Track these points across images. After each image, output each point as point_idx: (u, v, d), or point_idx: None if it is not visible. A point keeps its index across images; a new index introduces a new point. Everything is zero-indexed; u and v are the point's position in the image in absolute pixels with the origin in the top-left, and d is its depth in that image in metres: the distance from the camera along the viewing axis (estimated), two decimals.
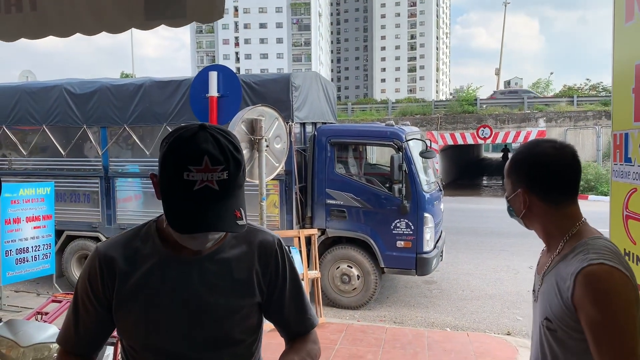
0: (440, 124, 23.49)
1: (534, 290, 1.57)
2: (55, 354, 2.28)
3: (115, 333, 1.42)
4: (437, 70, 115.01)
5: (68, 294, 3.77)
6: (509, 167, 1.55)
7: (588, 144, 21.60)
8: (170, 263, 1.32)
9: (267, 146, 5.16)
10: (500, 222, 13.62)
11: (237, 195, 1.23)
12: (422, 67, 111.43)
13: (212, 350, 1.34)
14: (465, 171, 32.22)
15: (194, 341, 1.32)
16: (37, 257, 6.70)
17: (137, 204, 7.50)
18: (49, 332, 2.30)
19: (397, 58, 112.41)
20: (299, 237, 6.02)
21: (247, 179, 1.82)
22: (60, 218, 7.32)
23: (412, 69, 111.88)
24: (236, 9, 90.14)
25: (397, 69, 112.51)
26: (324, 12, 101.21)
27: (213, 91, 5.04)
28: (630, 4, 2.29)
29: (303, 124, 7.27)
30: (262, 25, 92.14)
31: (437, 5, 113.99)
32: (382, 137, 6.94)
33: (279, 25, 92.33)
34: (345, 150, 7.49)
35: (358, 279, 6.79)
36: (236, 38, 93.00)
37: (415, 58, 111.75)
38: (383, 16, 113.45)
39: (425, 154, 6.65)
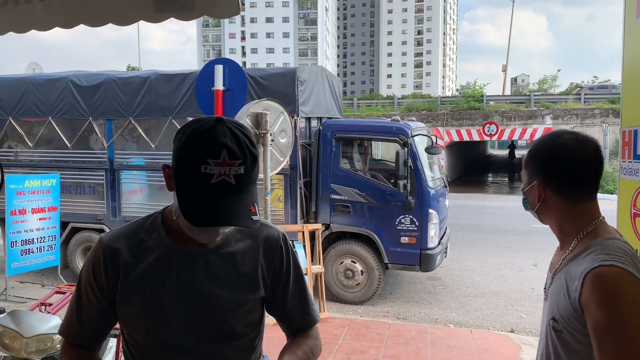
0: (446, 120, 23.41)
1: (545, 288, 1.52)
2: (58, 345, 2.29)
3: (117, 325, 1.42)
4: (444, 66, 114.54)
5: (72, 285, 3.78)
6: (527, 157, 1.49)
7: None
8: (175, 255, 1.32)
9: (272, 140, 5.14)
10: (505, 219, 13.61)
11: (252, 191, 1.23)
12: (428, 63, 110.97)
13: (214, 344, 1.33)
14: (471, 168, 32.15)
15: (196, 334, 1.31)
16: (42, 248, 6.73)
17: (142, 197, 7.52)
18: (52, 323, 2.30)
19: (404, 54, 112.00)
20: (303, 232, 6.02)
21: None
22: (66, 210, 7.35)
23: (418, 65, 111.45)
24: (243, 3, 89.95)
25: (404, 64, 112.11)
26: (330, 6, 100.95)
27: (219, 85, 5.02)
28: None
29: (308, 119, 7.26)
30: (269, 20, 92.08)
31: (445, 1, 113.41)
32: (388, 132, 6.91)
33: (285, 20, 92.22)
34: (351, 146, 7.46)
35: (362, 275, 6.79)
36: (242, 32, 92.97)
37: (421, 54, 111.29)
38: (390, 11, 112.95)
39: (430, 150, 6.62)
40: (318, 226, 6.39)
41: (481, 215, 14.28)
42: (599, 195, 1.46)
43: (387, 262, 6.71)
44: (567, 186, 1.39)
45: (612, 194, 14.19)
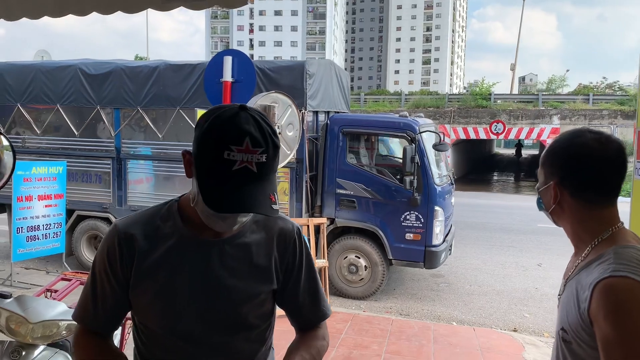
0: (454, 117, 23.32)
1: (559, 295, 1.44)
2: (64, 332, 2.29)
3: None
4: (452, 63, 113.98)
5: (77, 272, 3.80)
6: (545, 155, 1.40)
7: None
8: (191, 243, 1.31)
9: (279, 133, 5.14)
10: (510, 218, 13.58)
11: (272, 179, 1.22)
12: (436, 60, 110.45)
13: (226, 334, 1.32)
14: (477, 166, 32.04)
15: (209, 323, 1.30)
16: (48, 235, 6.76)
17: (148, 187, 7.53)
18: (58, 309, 2.30)
19: (412, 50, 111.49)
20: (308, 226, 6.01)
21: None
22: (72, 198, 7.38)
23: (426, 62, 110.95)
24: None
25: (412, 60, 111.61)
26: (339, 0, 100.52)
27: (227, 76, 5.00)
28: None
29: (316, 113, 7.23)
30: (277, 13, 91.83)
31: None
32: (395, 128, 6.88)
33: (294, 13, 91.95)
34: (357, 140, 7.44)
35: (365, 270, 6.78)
36: (251, 24, 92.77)
37: (430, 50, 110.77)
38: (399, 7, 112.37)
39: (438, 146, 6.59)
40: (323, 220, 6.38)
41: (486, 214, 14.24)
42: None
43: (391, 258, 6.70)
44: (585, 189, 1.31)
45: (625, 196, 14.10)
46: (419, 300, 6.97)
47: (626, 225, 2.35)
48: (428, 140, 6.76)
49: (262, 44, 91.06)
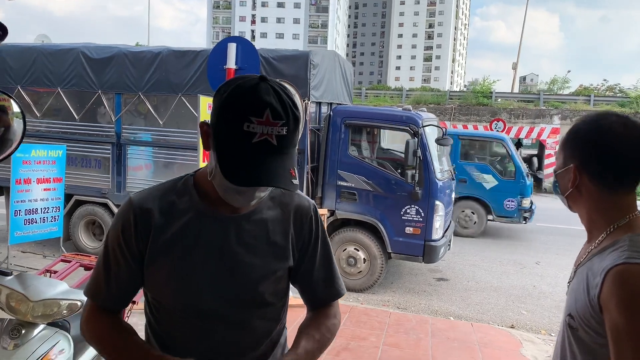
0: (454, 114, 23.27)
1: (568, 282, 1.41)
2: (65, 311, 2.26)
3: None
4: (453, 61, 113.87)
5: (77, 254, 3.77)
6: (566, 137, 1.36)
7: None
8: (207, 219, 1.28)
9: None
10: None
11: (292, 153, 1.19)
12: (438, 57, 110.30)
13: (242, 311, 1.30)
14: None
15: (225, 299, 1.27)
16: (46, 219, 6.72)
17: (147, 173, 7.48)
18: (59, 288, 2.27)
19: (414, 46, 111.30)
20: None
21: None
22: (70, 182, 7.33)
23: (427, 59, 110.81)
24: None
25: (413, 57, 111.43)
26: None
27: (231, 63, 4.97)
28: None
29: (319, 104, 7.19)
30: (280, 5, 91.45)
31: None
32: (398, 121, 6.84)
33: (297, 6, 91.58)
34: (360, 133, 7.41)
35: (364, 263, 6.77)
36: (253, 16, 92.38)
37: (431, 47, 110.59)
38: (402, 3, 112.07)
39: (441, 141, 6.57)
40: (323, 212, 6.35)
41: None
42: None
43: (390, 251, 6.68)
44: (606, 174, 1.27)
45: None
46: (417, 294, 6.96)
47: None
48: (431, 134, 6.73)
49: (263, 35, 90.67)
